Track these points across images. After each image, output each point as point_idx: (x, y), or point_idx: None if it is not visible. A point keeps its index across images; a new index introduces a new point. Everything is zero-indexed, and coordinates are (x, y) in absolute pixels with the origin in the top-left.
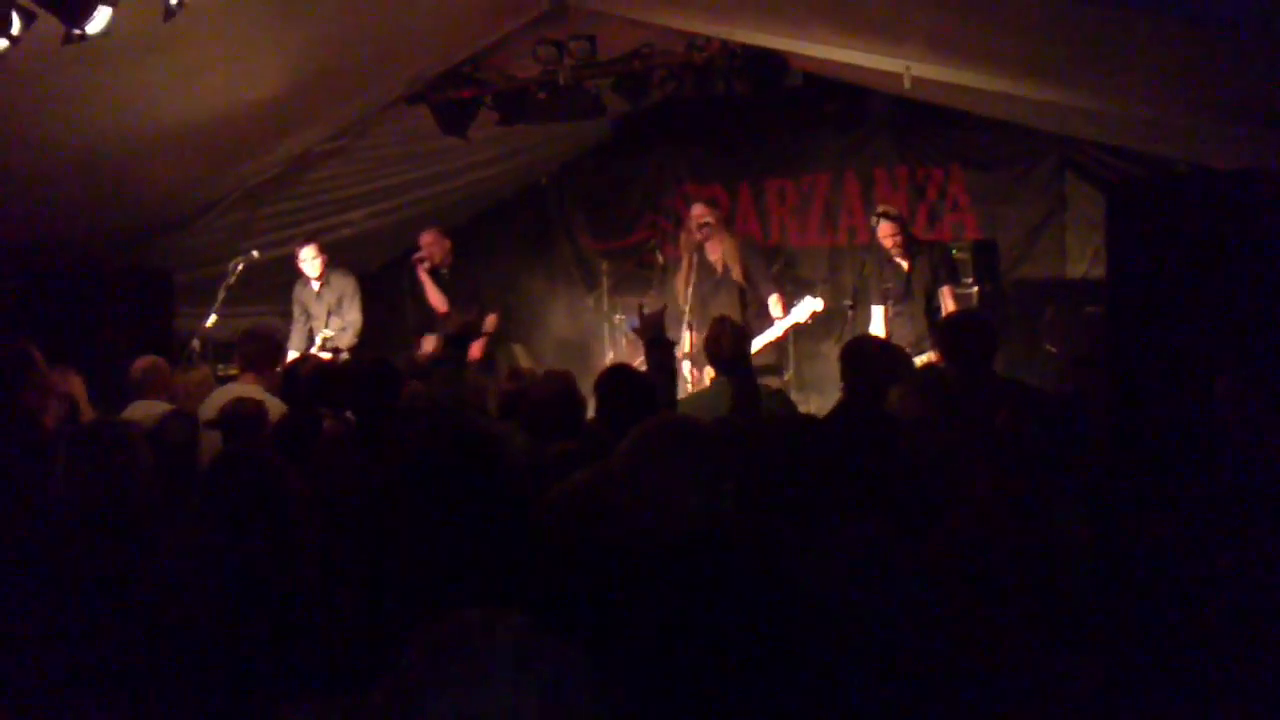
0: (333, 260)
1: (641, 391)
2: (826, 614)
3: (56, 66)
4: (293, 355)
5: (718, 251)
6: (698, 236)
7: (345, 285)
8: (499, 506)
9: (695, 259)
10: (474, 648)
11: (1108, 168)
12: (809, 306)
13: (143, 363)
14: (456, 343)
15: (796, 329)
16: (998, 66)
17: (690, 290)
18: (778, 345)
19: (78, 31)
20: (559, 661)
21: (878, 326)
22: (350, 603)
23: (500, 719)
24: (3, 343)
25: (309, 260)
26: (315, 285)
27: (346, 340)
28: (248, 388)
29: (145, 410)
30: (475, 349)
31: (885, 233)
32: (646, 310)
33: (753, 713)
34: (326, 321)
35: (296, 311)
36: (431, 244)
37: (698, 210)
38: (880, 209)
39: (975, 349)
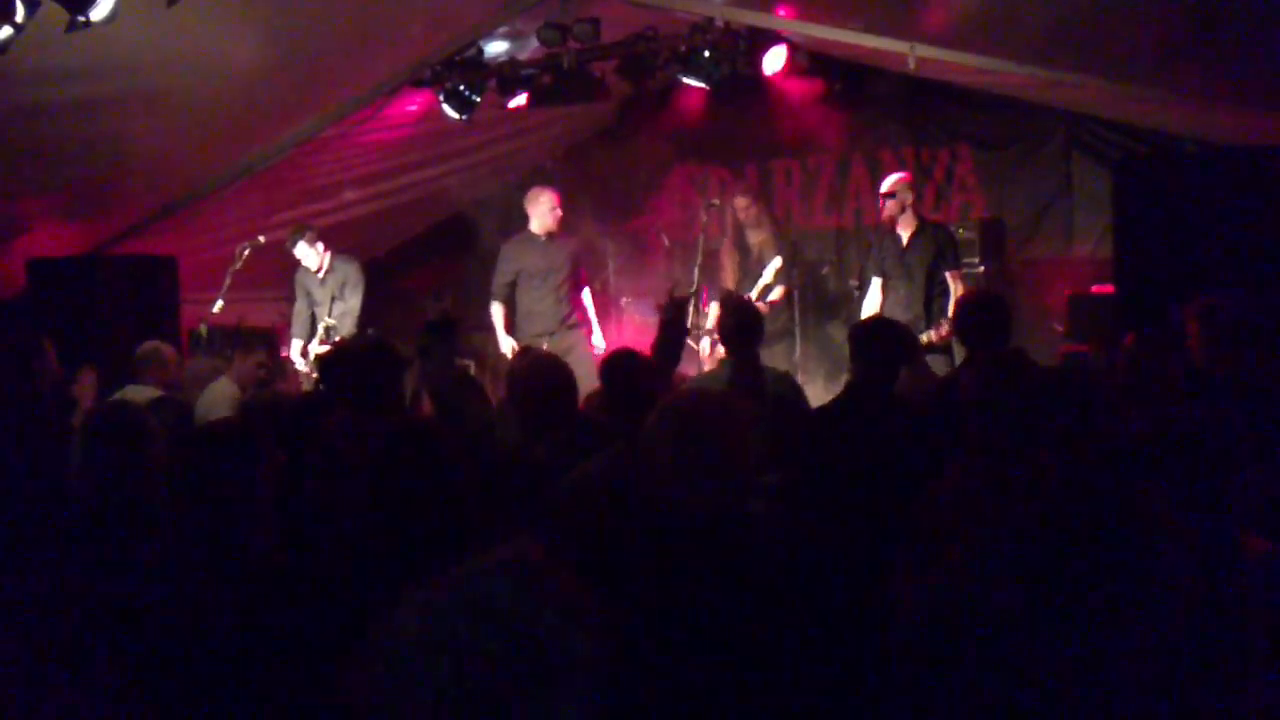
0: (335, 246)
1: (646, 375)
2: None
3: (54, 44)
4: (296, 342)
5: (757, 240)
6: (745, 225)
7: (348, 271)
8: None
9: (735, 244)
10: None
11: (1115, 146)
12: (772, 268)
13: (145, 347)
14: (438, 330)
15: (802, 313)
16: (1004, 50)
17: (733, 273)
18: (785, 328)
19: (82, 18)
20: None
21: (874, 299)
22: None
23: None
24: (19, 334)
25: (307, 256)
26: (319, 272)
27: (346, 327)
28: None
29: (133, 395)
30: None
31: (888, 208)
32: (676, 294)
33: (771, 693)
34: (330, 308)
35: (299, 296)
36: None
37: (740, 202)
38: (888, 184)
39: (989, 329)
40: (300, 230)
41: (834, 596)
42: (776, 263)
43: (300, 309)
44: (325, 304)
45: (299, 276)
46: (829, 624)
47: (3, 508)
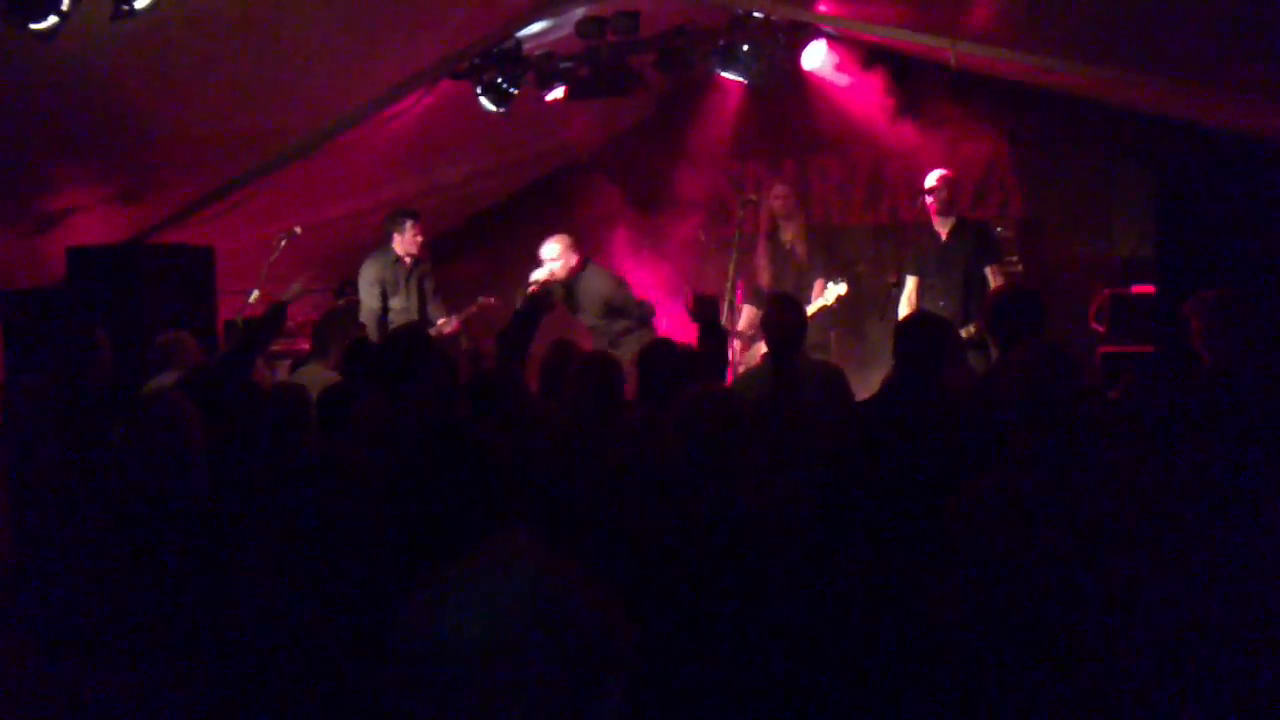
0: (370, 238)
1: (682, 366)
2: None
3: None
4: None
5: (790, 232)
6: (779, 215)
7: (425, 263)
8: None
9: (769, 238)
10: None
11: (1157, 144)
12: (834, 291)
13: (167, 336)
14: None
15: (826, 310)
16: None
17: (768, 269)
18: (822, 324)
19: (126, 7)
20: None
21: (909, 297)
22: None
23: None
24: (74, 324)
25: (411, 243)
26: (408, 260)
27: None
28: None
29: (156, 385)
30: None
31: (928, 204)
32: (698, 292)
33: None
34: (423, 300)
35: (365, 291)
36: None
37: (779, 190)
38: (931, 180)
39: (1021, 323)
40: (408, 213)
41: (857, 599)
42: (841, 289)
43: (371, 306)
44: (410, 297)
45: (372, 270)
46: (848, 628)
47: (55, 498)
